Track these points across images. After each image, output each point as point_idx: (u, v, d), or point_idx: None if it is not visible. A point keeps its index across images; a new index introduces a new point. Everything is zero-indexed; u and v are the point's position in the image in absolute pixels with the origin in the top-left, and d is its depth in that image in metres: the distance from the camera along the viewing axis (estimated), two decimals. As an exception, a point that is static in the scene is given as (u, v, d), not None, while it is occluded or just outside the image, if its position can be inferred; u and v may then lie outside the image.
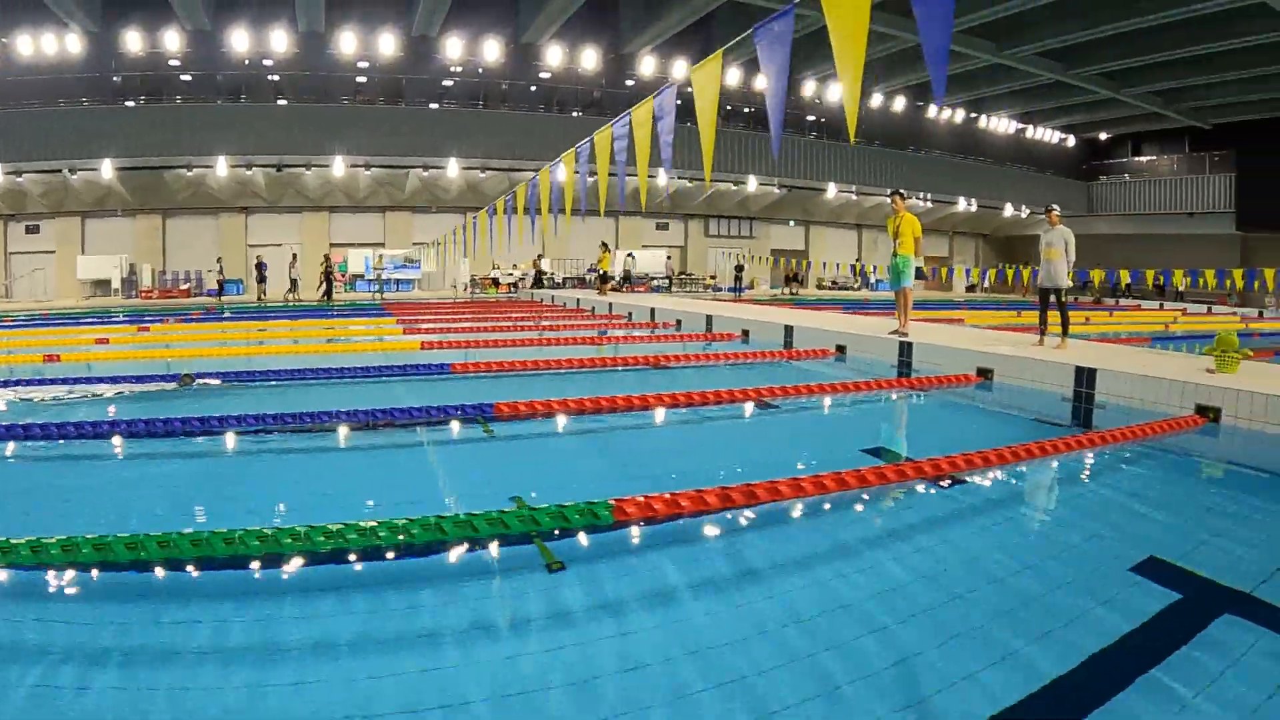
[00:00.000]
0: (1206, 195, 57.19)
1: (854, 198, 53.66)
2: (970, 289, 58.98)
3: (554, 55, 45.16)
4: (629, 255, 48.08)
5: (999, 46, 40.50)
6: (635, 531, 5.97)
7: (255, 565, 5.20)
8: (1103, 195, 63.99)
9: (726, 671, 4.03)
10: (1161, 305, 45.22)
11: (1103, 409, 10.85)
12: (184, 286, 42.62)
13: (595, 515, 5.87)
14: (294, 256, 40.64)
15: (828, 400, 11.74)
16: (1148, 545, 5.87)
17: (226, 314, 30.09)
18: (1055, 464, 8.31)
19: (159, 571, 5.07)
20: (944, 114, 54.80)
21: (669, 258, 51.99)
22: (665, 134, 10.90)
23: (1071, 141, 63.76)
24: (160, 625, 4.50)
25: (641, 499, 6.08)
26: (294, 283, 39.73)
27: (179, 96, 41.77)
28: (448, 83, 46.62)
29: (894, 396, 12.46)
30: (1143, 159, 63.91)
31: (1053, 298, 14.09)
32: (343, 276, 44.50)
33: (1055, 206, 14.39)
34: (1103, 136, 64.45)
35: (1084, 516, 6.86)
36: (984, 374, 12.76)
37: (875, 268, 52.70)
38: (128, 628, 4.45)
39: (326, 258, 39.78)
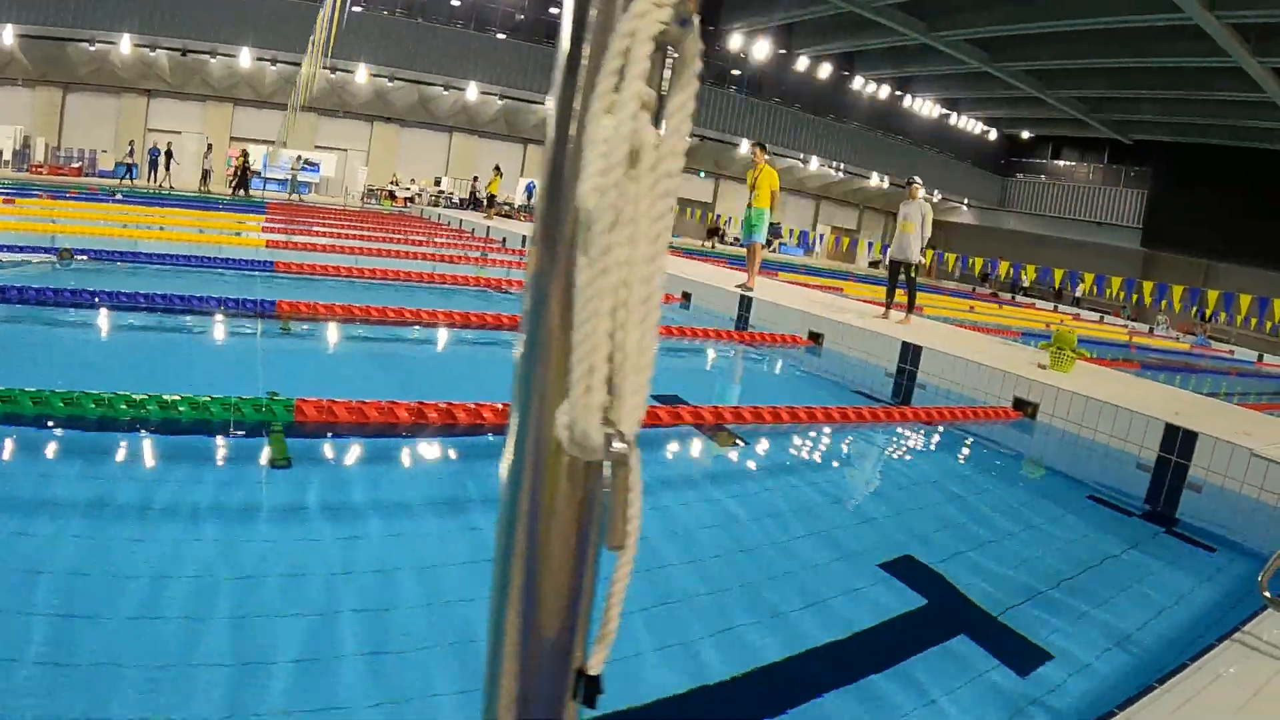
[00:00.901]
0: (1117, 207, 57.27)
1: (768, 156, 52.37)
2: (874, 265, 58.55)
3: (481, -32, 43.41)
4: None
5: (929, 27, 39.78)
6: (381, 442, 5.68)
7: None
8: (1017, 192, 63.81)
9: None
10: (1056, 307, 45.25)
11: (923, 389, 10.18)
12: (75, 165, 40.05)
13: (272, 412, 5.48)
14: (209, 147, 39.08)
15: None
16: (910, 541, 5.25)
17: (118, 196, 28.34)
18: (847, 436, 7.58)
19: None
20: (868, 87, 53.97)
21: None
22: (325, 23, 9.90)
23: (993, 135, 63.41)
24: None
25: (324, 402, 5.64)
26: (206, 174, 38.32)
27: (90, -30, 39.18)
28: (365, -15, 44.39)
29: (714, 348, 11.78)
30: (1061, 163, 63.72)
31: (902, 273, 13.38)
32: (230, 170, 41.80)
33: (917, 179, 13.67)
34: (1025, 135, 64.11)
35: (856, 498, 6.17)
36: (815, 338, 12.15)
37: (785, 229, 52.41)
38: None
39: (244, 152, 38.78)
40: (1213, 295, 22.99)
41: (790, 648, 3.74)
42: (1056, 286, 32.54)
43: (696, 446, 6.66)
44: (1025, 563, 5.22)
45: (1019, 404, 9.14)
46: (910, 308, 13.28)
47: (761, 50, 48.42)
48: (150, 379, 6.44)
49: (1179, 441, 7.75)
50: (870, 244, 50.87)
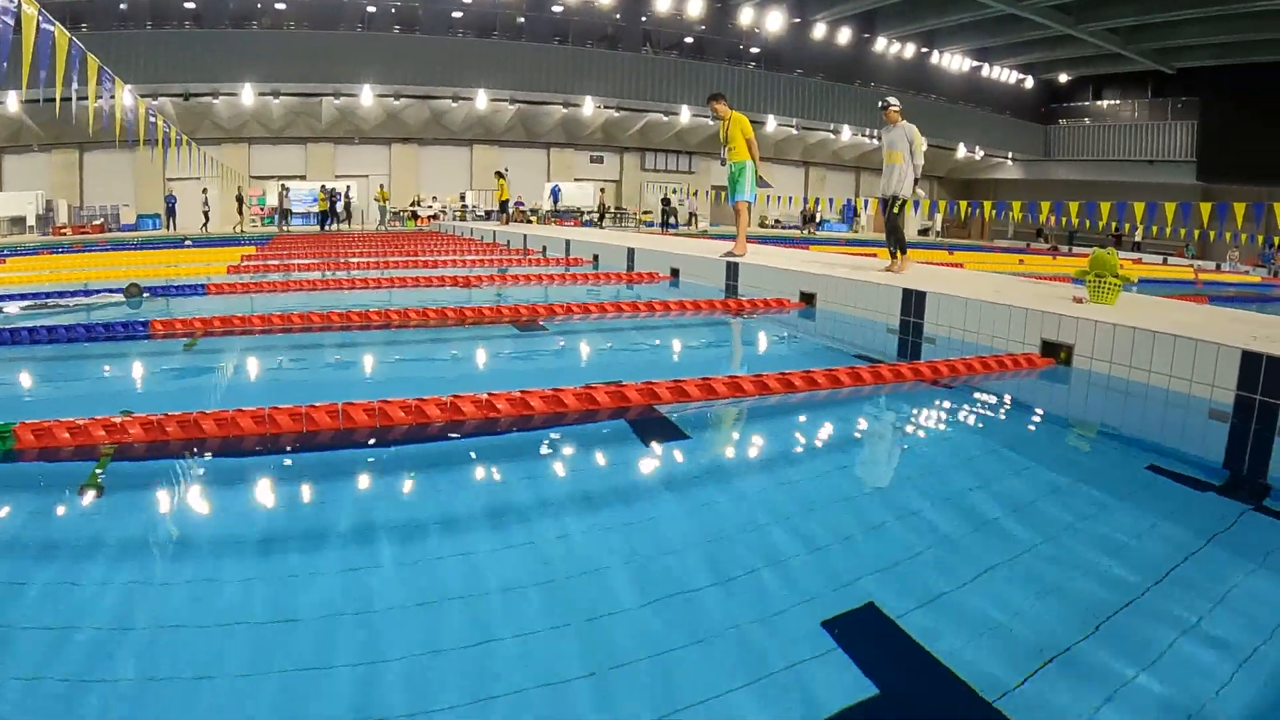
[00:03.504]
0: (1168, 143, 54.74)
1: (795, 132, 50.84)
2: (923, 232, 56.15)
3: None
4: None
5: (941, -30, 37.80)
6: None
7: None
8: (1061, 139, 61.39)
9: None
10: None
11: (933, 343, 8.31)
12: (97, 222, 40.25)
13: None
14: (283, 188, 41.21)
15: (606, 323, 9.92)
16: (878, 576, 3.37)
17: (188, 243, 28.99)
18: (810, 413, 5.71)
19: None
20: (892, 48, 51.88)
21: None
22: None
23: (1030, 83, 60.88)
24: None
25: (47, 424, 4.66)
26: (286, 214, 41.02)
27: (85, 24, 38.45)
28: (371, 9, 43.84)
29: (689, 323, 10.12)
30: (1103, 103, 61.10)
31: (896, 209, 11.29)
32: (261, 209, 43.17)
33: (893, 100, 11.45)
34: (1062, 78, 61.56)
35: (808, 511, 4.22)
36: (807, 299, 10.38)
37: (817, 201, 50.71)
38: None
39: (327, 189, 41.05)
40: (1280, 209, 20.70)
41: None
42: (1104, 222, 30.47)
43: (605, 444, 5.05)
44: (1047, 596, 3.25)
45: (1048, 348, 7.22)
46: (899, 252, 11.29)
47: (775, 21, 46.65)
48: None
49: (1263, 374, 5.78)
50: (916, 205, 48.22)
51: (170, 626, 2.89)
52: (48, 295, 11.59)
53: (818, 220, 51.38)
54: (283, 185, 41.43)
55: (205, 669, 2.62)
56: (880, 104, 11.43)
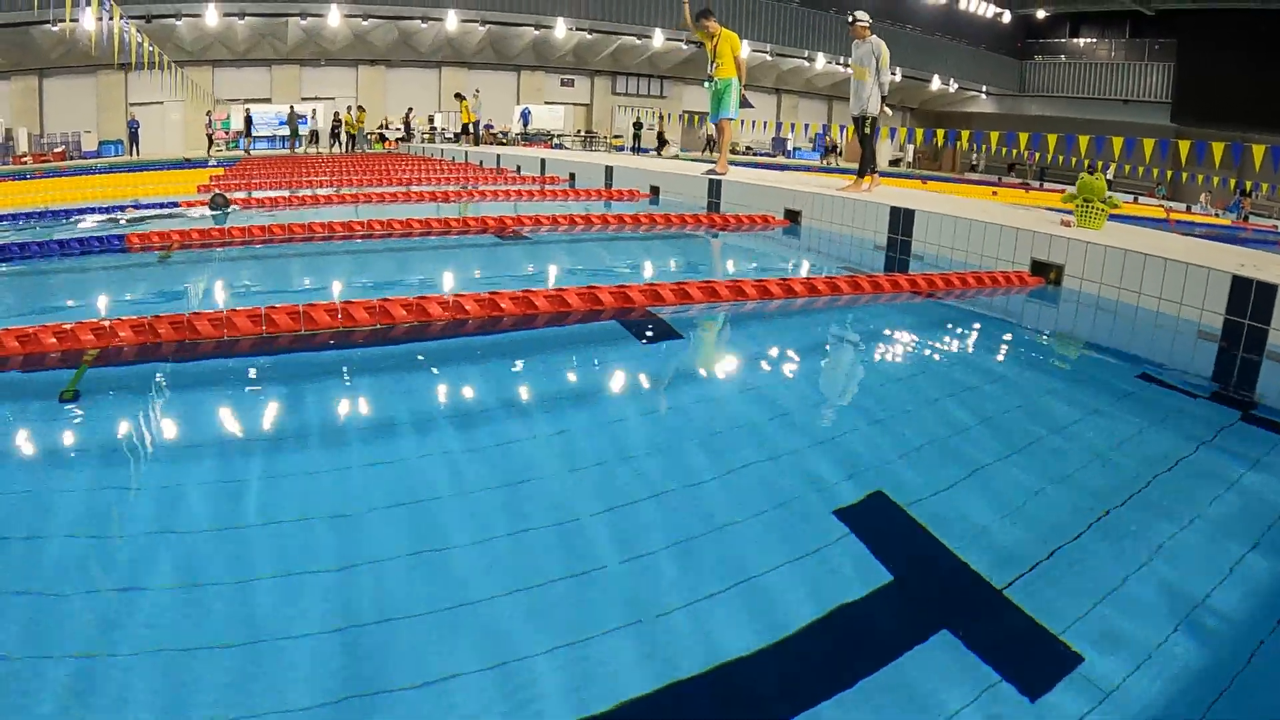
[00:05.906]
0: (1144, 84, 54.47)
1: (769, 59, 50.34)
2: (894, 163, 55.96)
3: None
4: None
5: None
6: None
7: None
8: (1037, 76, 61.01)
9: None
10: (1084, 191, 42.91)
11: (921, 260, 8.29)
12: (58, 150, 39.20)
13: None
14: (209, 114, 41.26)
15: (589, 234, 10.02)
16: (885, 468, 3.39)
17: (212, 162, 29.57)
18: (806, 319, 5.74)
19: None
20: (869, -24, 51.47)
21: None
22: None
23: (1007, 17, 60.40)
24: None
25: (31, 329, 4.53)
26: (312, 135, 42.83)
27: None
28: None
29: (674, 236, 10.13)
30: (1080, 41, 60.66)
31: (868, 129, 10.99)
32: (226, 134, 42.23)
33: (862, 15, 10.90)
34: (1040, 14, 61.21)
35: (813, 407, 4.31)
36: (792, 216, 10.33)
37: (793, 127, 50.29)
38: None
39: (336, 114, 42.45)
40: (1259, 151, 20.73)
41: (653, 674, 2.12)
42: (1079, 158, 30.35)
43: (597, 344, 5.05)
44: (1050, 489, 3.27)
45: (1038, 268, 7.20)
46: (862, 170, 11.06)
47: (750, -56, 46.18)
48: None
49: (1252, 298, 5.78)
50: (894, 132, 47.74)
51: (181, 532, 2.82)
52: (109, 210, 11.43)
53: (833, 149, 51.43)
54: (292, 109, 41.74)
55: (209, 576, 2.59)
56: (849, 18, 10.93)
